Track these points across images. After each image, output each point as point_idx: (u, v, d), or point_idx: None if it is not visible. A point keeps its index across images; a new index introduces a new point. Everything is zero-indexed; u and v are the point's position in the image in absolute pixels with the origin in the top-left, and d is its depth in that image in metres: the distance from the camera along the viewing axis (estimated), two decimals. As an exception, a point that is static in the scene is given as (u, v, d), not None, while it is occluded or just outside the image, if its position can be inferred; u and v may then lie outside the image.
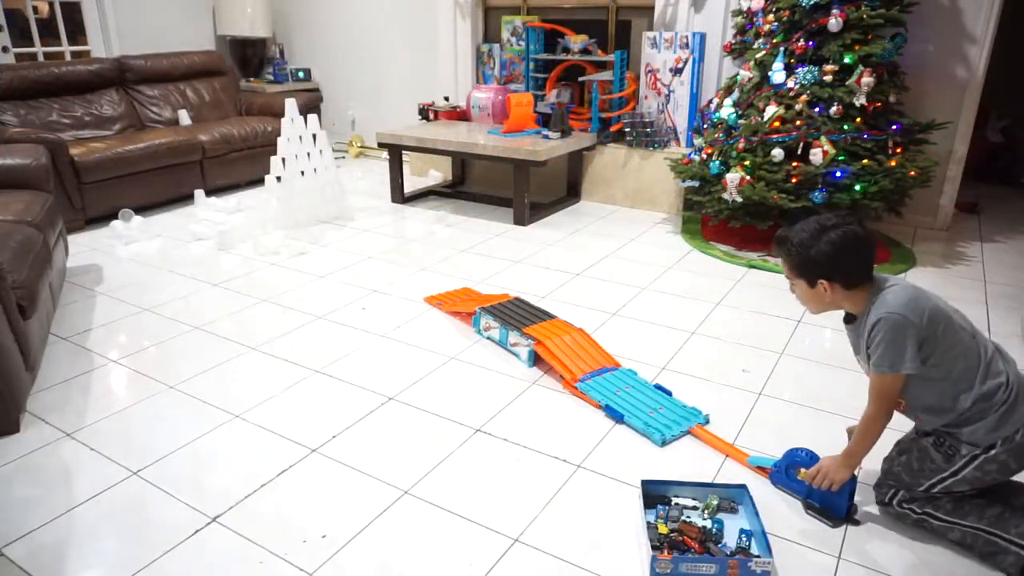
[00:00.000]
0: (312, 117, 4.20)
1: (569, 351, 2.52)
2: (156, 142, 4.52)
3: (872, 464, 1.94)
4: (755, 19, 3.78)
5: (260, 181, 4.87)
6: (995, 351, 1.66)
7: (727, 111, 3.73)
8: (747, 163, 3.47)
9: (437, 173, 5.27)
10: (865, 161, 3.34)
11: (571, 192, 4.85)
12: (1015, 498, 1.69)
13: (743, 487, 1.83)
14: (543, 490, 1.91)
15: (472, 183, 5.34)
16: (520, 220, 4.31)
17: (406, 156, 5.41)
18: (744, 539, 1.68)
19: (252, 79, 6.37)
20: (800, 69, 3.47)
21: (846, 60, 3.39)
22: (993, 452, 1.60)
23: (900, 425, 1.91)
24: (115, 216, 4.17)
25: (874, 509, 1.82)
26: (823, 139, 3.33)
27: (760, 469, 1.97)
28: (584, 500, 1.88)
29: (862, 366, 1.76)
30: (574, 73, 4.89)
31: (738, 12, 3.95)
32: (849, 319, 1.75)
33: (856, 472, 1.82)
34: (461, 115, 5.13)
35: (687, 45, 4.29)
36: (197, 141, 4.74)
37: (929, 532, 1.73)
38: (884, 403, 1.66)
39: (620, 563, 1.66)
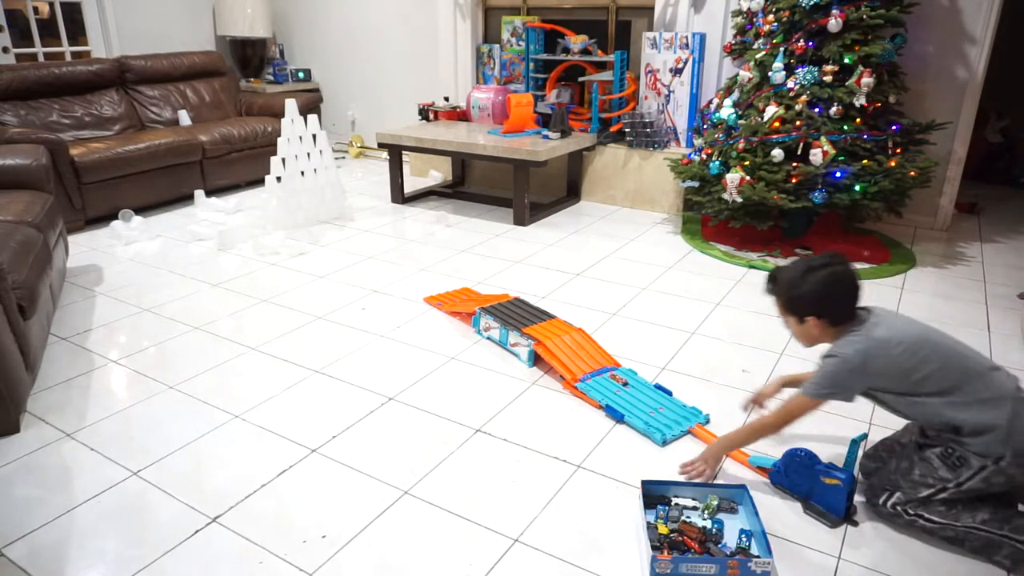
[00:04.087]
0: (312, 117, 4.20)
1: (569, 351, 2.53)
2: (156, 142, 4.52)
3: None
4: (755, 19, 3.78)
5: (260, 181, 4.87)
6: (991, 369, 1.68)
7: (727, 111, 3.73)
8: (747, 163, 3.47)
9: (437, 173, 5.27)
10: (865, 161, 3.35)
11: (571, 192, 4.85)
12: (1003, 497, 1.71)
13: (743, 487, 1.83)
14: (543, 490, 1.91)
15: (472, 183, 5.34)
16: (520, 220, 4.31)
17: (406, 156, 5.42)
18: (744, 539, 1.68)
19: (252, 79, 6.37)
20: (800, 69, 3.47)
21: (846, 60, 3.39)
22: (1003, 464, 1.61)
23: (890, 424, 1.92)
24: (115, 216, 4.18)
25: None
26: (823, 139, 3.33)
27: (760, 469, 1.97)
28: (584, 500, 1.88)
29: None
30: (574, 73, 4.89)
31: (738, 12, 3.96)
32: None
33: (856, 474, 1.83)
34: (461, 115, 5.13)
35: (687, 45, 4.29)
36: (197, 141, 4.74)
37: (919, 531, 1.73)
38: (788, 422, 1.79)
39: (620, 563, 1.66)
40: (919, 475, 1.70)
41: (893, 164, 3.36)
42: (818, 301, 1.72)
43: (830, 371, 1.69)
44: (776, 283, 1.79)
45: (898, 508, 1.72)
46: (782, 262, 3.56)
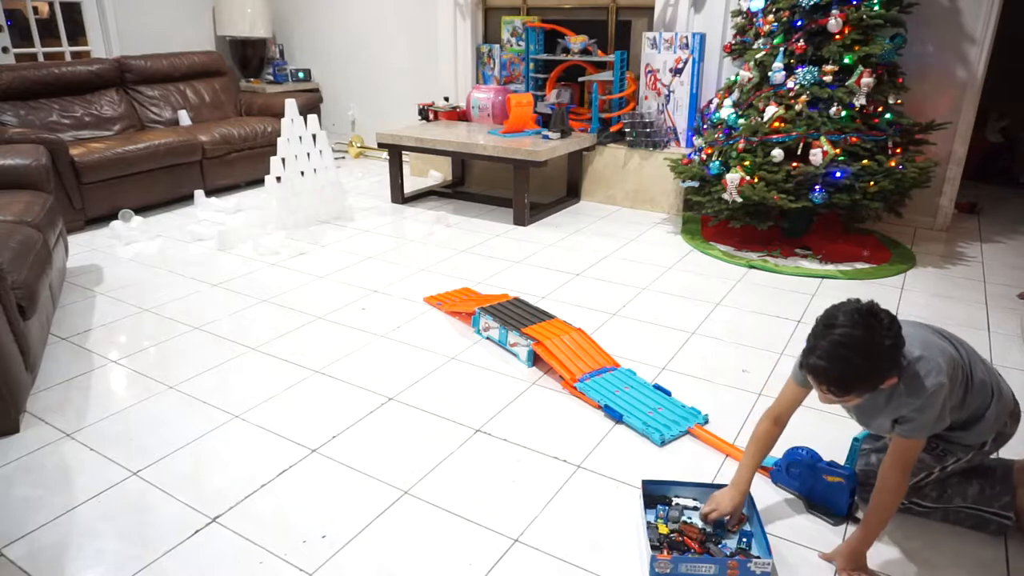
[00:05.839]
0: (312, 117, 4.20)
1: (568, 351, 2.52)
2: (156, 142, 4.52)
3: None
4: (755, 20, 3.78)
5: (260, 181, 4.88)
6: (972, 355, 1.63)
7: (727, 111, 3.73)
8: (747, 163, 3.47)
9: (437, 173, 5.27)
10: (865, 162, 3.35)
11: (571, 192, 4.85)
12: (984, 466, 1.76)
13: (743, 487, 1.82)
14: (543, 490, 1.91)
15: (472, 183, 5.34)
16: (520, 220, 4.31)
17: (406, 156, 5.42)
18: (744, 540, 1.68)
19: (252, 79, 6.37)
20: (800, 69, 3.47)
21: (846, 60, 3.39)
22: (985, 448, 1.67)
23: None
24: (115, 216, 4.18)
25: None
26: (823, 139, 3.33)
27: (761, 468, 1.96)
28: (584, 500, 1.88)
29: (864, 424, 1.70)
30: (574, 73, 4.89)
31: (738, 12, 3.96)
32: None
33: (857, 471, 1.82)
34: (461, 115, 5.13)
35: (687, 45, 4.29)
36: (197, 141, 4.74)
37: (913, 516, 1.78)
38: (908, 470, 1.54)
39: (620, 563, 1.66)
40: None
41: (893, 164, 3.36)
42: (898, 360, 1.45)
43: (936, 402, 1.46)
44: (846, 383, 1.43)
45: None
46: (782, 262, 3.57)
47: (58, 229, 3.21)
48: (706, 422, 2.22)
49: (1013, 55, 4.80)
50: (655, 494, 1.84)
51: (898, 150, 3.47)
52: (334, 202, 4.36)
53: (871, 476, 1.76)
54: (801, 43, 3.49)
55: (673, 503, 1.83)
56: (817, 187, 3.35)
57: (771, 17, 3.64)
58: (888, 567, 1.64)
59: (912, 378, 1.48)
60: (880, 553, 1.67)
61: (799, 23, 3.49)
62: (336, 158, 5.14)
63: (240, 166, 5.06)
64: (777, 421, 1.74)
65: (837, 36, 3.40)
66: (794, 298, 3.18)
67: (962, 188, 4.16)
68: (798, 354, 1.55)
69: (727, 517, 1.72)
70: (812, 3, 3.40)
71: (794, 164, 3.38)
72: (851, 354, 1.39)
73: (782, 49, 3.54)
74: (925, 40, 3.86)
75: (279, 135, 4.04)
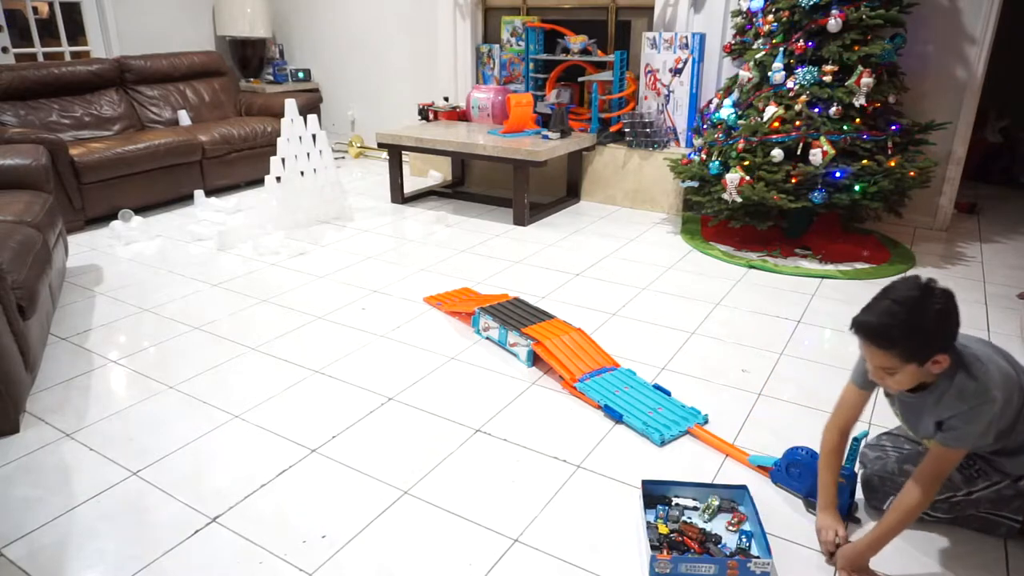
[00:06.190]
0: (312, 117, 4.20)
1: (568, 351, 2.53)
2: (156, 142, 4.52)
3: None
4: (755, 20, 3.78)
5: (260, 181, 4.88)
6: None
7: (727, 111, 3.73)
8: (747, 163, 3.47)
9: (437, 173, 5.27)
10: (865, 161, 3.35)
11: (571, 192, 4.85)
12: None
13: (744, 488, 1.83)
14: (543, 490, 1.91)
15: (472, 183, 5.34)
16: (520, 220, 4.31)
17: (406, 156, 5.42)
18: (744, 540, 1.68)
19: (252, 79, 6.37)
20: (800, 69, 3.47)
21: (845, 60, 3.39)
22: (1021, 484, 1.62)
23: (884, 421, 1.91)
24: (115, 216, 4.18)
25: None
26: (823, 139, 3.33)
27: (761, 468, 1.97)
28: (584, 500, 1.88)
29: (909, 424, 1.67)
30: (574, 73, 4.89)
31: (738, 12, 3.96)
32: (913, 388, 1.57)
33: (857, 468, 1.82)
34: (461, 115, 5.13)
35: (687, 45, 4.29)
36: (197, 141, 4.74)
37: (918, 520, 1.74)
38: (940, 481, 1.52)
39: (620, 563, 1.66)
40: None
41: (893, 164, 3.36)
42: (951, 332, 1.45)
43: (984, 415, 1.45)
44: (893, 333, 1.43)
45: None
46: (782, 262, 3.57)
47: (58, 229, 3.21)
48: (706, 422, 2.22)
49: (1013, 55, 4.80)
50: (655, 494, 1.84)
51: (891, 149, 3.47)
52: (334, 202, 4.36)
53: (887, 482, 1.75)
54: (801, 43, 3.49)
55: (673, 503, 1.83)
56: (817, 187, 3.35)
57: (771, 17, 3.64)
58: (888, 567, 1.65)
59: (966, 379, 1.47)
60: (880, 552, 1.67)
61: (799, 23, 3.50)
62: (336, 158, 5.14)
63: (240, 166, 5.06)
64: (843, 432, 1.72)
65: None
66: (794, 298, 3.18)
67: (962, 188, 4.16)
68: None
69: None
70: (812, 3, 3.41)
71: (794, 164, 3.38)
72: (900, 310, 1.42)
73: (782, 49, 3.55)
74: (925, 40, 3.86)
75: (279, 135, 4.04)
